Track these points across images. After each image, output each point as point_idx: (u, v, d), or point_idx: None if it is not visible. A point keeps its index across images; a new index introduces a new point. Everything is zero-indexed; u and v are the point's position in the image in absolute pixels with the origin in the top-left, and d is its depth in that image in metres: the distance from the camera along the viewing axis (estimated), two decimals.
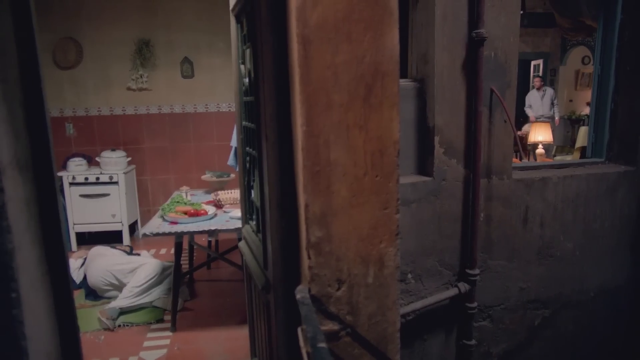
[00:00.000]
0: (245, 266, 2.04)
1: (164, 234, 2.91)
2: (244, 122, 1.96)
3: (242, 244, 2.08)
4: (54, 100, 5.26)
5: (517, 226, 2.19)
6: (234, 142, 3.46)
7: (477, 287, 2.12)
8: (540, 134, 4.37)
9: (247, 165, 1.96)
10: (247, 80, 1.82)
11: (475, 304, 2.12)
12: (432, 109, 1.98)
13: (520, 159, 4.77)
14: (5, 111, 1.17)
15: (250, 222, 2.03)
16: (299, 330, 1.23)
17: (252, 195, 1.97)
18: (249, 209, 2.05)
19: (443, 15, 1.92)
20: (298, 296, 1.17)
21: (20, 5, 1.25)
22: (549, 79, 9.12)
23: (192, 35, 5.27)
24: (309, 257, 1.23)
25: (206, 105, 5.46)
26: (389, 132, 1.20)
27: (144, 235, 2.90)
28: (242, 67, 1.91)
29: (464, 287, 2.10)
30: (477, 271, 2.09)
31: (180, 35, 5.26)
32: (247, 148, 1.92)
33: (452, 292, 2.10)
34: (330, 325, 1.24)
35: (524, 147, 5.54)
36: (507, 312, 2.26)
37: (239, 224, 2.94)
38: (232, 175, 4.10)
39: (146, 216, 5.50)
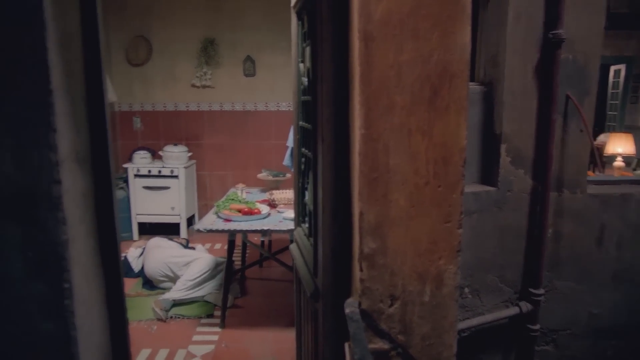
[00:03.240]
0: (295, 270, 2.00)
1: (216, 231, 2.93)
2: (300, 122, 1.92)
3: (293, 247, 2.03)
4: (125, 95, 5.49)
5: (590, 246, 2.01)
6: (290, 142, 3.44)
7: (541, 308, 1.97)
8: (620, 146, 4.01)
9: (302, 166, 1.92)
10: (305, 79, 1.78)
11: (537, 326, 1.97)
12: (500, 114, 1.86)
13: (594, 171, 4.44)
14: (68, 105, 1.18)
15: (303, 224, 1.98)
16: (346, 346, 1.17)
17: (306, 197, 1.92)
18: (301, 211, 2.01)
19: (517, 15, 1.80)
20: (347, 310, 1.10)
21: (88, 3, 1.27)
22: (632, 85, 8.43)
23: (255, 34, 5.32)
24: (361, 269, 1.15)
25: (266, 103, 5.51)
26: (455, 139, 1.11)
27: (198, 231, 2.94)
28: (301, 65, 1.87)
29: (526, 306, 1.95)
30: (541, 291, 1.95)
31: (244, 34, 5.32)
32: (303, 149, 1.87)
33: (513, 311, 1.96)
34: (380, 344, 1.16)
35: (600, 159, 5.15)
36: (574, 338, 2.08)
37: (291, 225, 2.91)
38: (288, 175, 4.09)
39: (204, 210, 5.61)
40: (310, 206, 1.68)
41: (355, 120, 1.13)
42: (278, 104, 5.50)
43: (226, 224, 3.00)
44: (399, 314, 1.18)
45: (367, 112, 1.08)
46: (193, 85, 5.46)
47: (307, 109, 1.73)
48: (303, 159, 1.90)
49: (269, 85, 5.45)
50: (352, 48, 1.14)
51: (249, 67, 5.40)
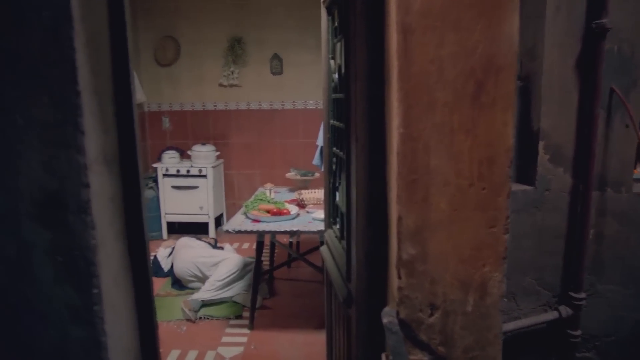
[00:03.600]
0: (326, 272, 1.95)
1: (245, 232, 2.90)
2: (331, 121, 1.86)
3: (323, 249, 1.98)
4: (154, 95, 5.53)
5: (636, 247, 1.90)
6: (320, 141, 3.37)
7: (582, 313, 1.87)
8: None
9: (333, 166, 1.86)
10: (336, 76, 1.72)
11: (579, 332, 1.87)
12: (538, 110, 1.77)
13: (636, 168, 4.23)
14: (96, 105, 1.15)
15: (334, 226, 1.92)
16: (383, 357, 1.10)
17: (337, 198, 1.87)
18: (332, 212, 1.95)
19: (556, 6, 1.71)
20: (385, 320, 1.04)
21: (115, 1, 1.24)
22: None
23: (283, 32, 5.28)
24: (399, 277, 1.09)
25: (293, 102, 5.47)
26: (500, 138, 1.03)
27: (227, 232, 2.92)
28: (331, 62, 1.81)
29: (565, 311, 1.86)
30: (582, 295, 1.85)
31: (271, 32, 5.29)
32: (334, 148, 1.81)
33: (551, 315, 1.87)
34: (420, 356, 1.09)
35: None
36: (619, 346, 1.97)
37: (321, 226, 2.85)
38: (317, 174, 4.03)
39: (232, 209, 5.61)
40: (342, 208, 1.62)
41: (393, 118, 1.06)
42: (305, 102, 5.45)
43: (255, 224, 2.97)
44: (440, 325, 1.11)
45: (406, 109, 1.01)
46: (220, 85, 5.46)
47: (338, 107, 1.67)
48: (334, 159, 1.84)
49: (296, 83, 5.40)
50: (389, 42, 1.07)
51: (276, 65, 5.37)
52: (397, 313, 1.11)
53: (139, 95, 5.13)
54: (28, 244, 1.11)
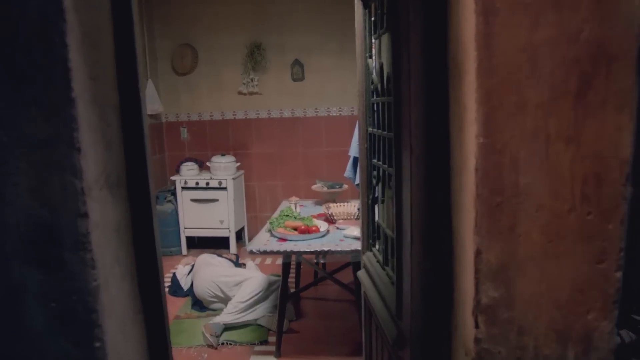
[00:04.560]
0: (366, 300, 1.71)
1: (271, 252, 2.66)
2: (369, 129, 1.63)
3: (361, 274, 1.74)
4: (171, 105, 5.38)
5: None
6: (353, 152, 3.10)
7: None
8: None
9: (373, 180, 1.62)
10: (376, 77, 1.49)
11: None
12: None
13: None
14: (96, 116, 0.92)
15: (373, 248, 1.69)
16: None
17: (377, 216, 1.63)
18: (371, 232, 1.72)
19: None
20: None
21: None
22: None
23: (303, 37, 5.08)
24: (477, 325, 0.85)
25: (316, 109, 5.25)
26: (613, 147, 0.79)
27: (251, 252, 2.69)
28: (369, 61, 1.59)
29: (628, 336, 1.59)
30: None
31: (291, 36, 5.10)
32: (374, 160, 1.58)
33: None
34: None
35: None
36: None
37: (354, 245, 2.59)
38: (345, 186, 3.77)
39: (253, 223, 5.41)
40: (388, 231, 1.38)
41: (467, 125, 0.83)
42: (328, 108, 5.23)
43: (281, 244, 2.71)
44: None
45: (487, 113, 0.78)
46: (240, 93, 5.27)
47: (380, 112, 1.44)
48: (374, 172, 1.60)
49: (319, 90, 5.18)
50: (462, 27, 0.84)
51: (297, 71, 5.16)
52: None
53: (157, 105, 4.98)
54: (15, 288, 0.91)
